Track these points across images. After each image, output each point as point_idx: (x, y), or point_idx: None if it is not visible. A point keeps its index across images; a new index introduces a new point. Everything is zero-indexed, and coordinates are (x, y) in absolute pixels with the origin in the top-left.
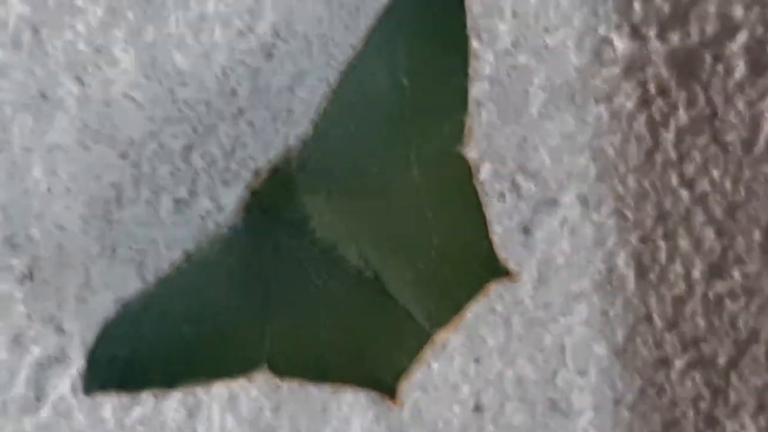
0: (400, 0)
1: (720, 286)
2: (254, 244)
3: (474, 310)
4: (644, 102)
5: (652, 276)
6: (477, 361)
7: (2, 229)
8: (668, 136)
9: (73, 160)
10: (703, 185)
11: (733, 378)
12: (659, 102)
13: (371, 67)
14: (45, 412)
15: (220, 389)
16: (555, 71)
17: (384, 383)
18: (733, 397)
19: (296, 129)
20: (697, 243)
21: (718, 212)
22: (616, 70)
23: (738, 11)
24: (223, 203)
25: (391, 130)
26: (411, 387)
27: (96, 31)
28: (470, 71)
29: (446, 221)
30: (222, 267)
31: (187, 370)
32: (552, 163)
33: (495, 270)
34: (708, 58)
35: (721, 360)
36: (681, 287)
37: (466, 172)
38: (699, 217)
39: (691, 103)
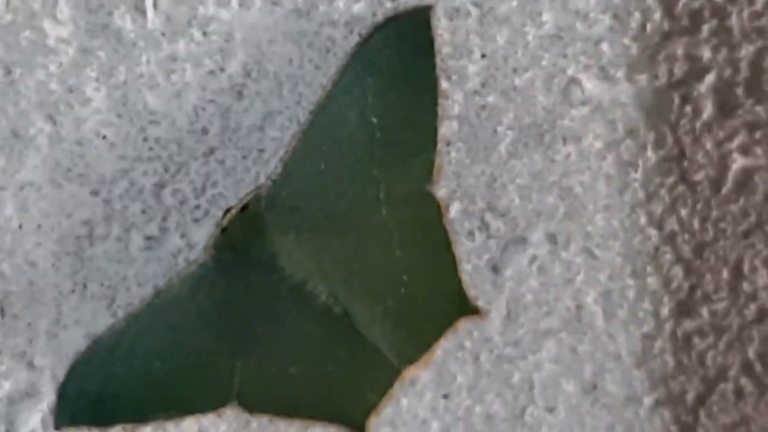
0: (370, 40)
1: (688, 324)
2: (224, 282)
3: (443, 346)
4: (612, 142)
5: (621, 313)
6: (446, 397)
7: None
8: (636, 176)
9: (44, 198)
10: (672, 224)
11: (702, 415)
12: (628, 142)
13: (341, 107)
14: None
15: (190, 424)
16: (524, 111)
17: (353, 419)
18: None
19: (266, 168)
20: (666, 281)
21: (686, 251)
22: (584, 110)
23: (706, 53)
24: (193, 240)
25: (361, 169)
26: (380, 423)
27: (68, 70)
28: (439, 111)
29: (416, 259)
30: (192, 304)
31: (157, 405)
32: (521, 201)
33: (464, 308)
34: (676, 99)
35: (690, 397)
36: (650, 325)
37: (435, 211)
38: (667, 255)
39: (659, 143)
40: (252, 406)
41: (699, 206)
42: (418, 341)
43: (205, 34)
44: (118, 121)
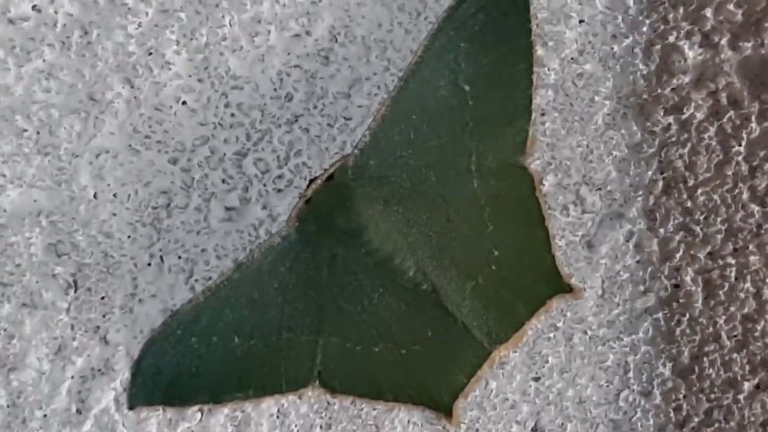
0: (463, 4)
1: None
2: (308, 255)
3: (535, 326)
4: (715, 113)
5: (721, 294)
6: (537, 379)
7: (47, 236)
8: (740, 149)
9: (121, 166)
10: None
11: None
12: (731, 113)
13: (432, 73)
14: (87, 426)
15: (269, 405)
16: (622, 80)
17: (440, 401)
18: None
19: (353, 136)
20: None
21: None
22: (686, 79)
23: None
24: (276, 212)
25: (451, 139)
26: (468, 405)
27: (147, 32)
28: (534, 79)
29: (507, 234)
30: (274, 278)
31: (235, 385)
32: (618, 175)
33: (557, 286)
34: None
35: None
36: (751, 306)
37: (528, 184)
38: None
39: (763, 114)
40: (334, 386)
41: None
42: (509, 320)
43: None
44: (199, 86)
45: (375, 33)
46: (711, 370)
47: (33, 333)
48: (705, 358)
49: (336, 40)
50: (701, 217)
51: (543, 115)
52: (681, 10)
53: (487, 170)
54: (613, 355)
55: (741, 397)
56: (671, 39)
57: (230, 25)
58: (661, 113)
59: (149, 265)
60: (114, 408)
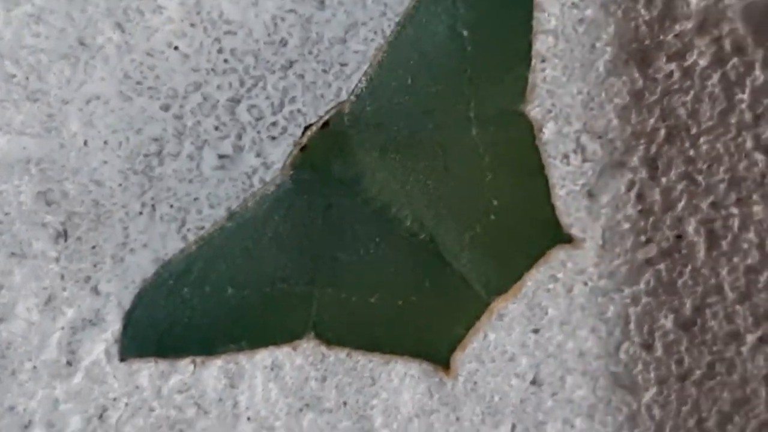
0: None
1: None
2: (303, 203)
3: (534, 277)
4: (718, 60)
5: (724, 244)
6: (536, 331)
7: (37, 184)
8: (743, 97)
9: (112, 112)
10: None
11: None
12: (734, 60)
13: (429, 18)
14: (78, 378)
15: (263, 357)
16: (624, 26)
17: (437, 354)
18: None
19: (349, 83)
20: None
21: None
22: (688, 25)
23: None
24: (270, 160)
25: (450, 86)
26: (466, 358)
27: None
28: (534, 24)
29: (506, 183)
30: (268, 227)
31: (229, 336)
32: (619, 123)
33: (557, 236)
34: None
35: None
36: (754, 257)
37: (528, 132)
38: None
39: None
40: (329, 338)
41: None
42: (508, 271)
43: None
44: (192, 31)
45: None
46: (713, 323)
47: (22, 283)
48: (707, 310)
49: None
50: (704, 167)
51: (543, 61)
52: None
53: (486, 118)
54: (614, 307)
55: (744, 349)
56: None
57: None
58: (664, 60)
59: (140, 213)
60: (105, 359)
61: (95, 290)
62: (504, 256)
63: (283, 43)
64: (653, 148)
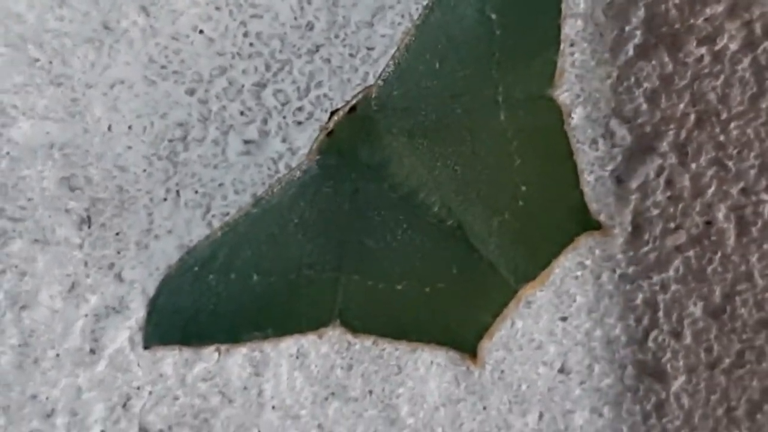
0: None
1: None
2: (329, 189)
3: (562, 264)
4: (749, 44)
5: (754, 231)
6: (564, 319)
7: (60, 169)
8: None
9: (136, 97)
10: None
11: None
12: (765, 44)
13: (457, 2)
14: (101, 366)
15: (288, 345)
16: (653, 9)
17: (464, 342)
18: None
19: (376, 67)
20: None
21: None
22: (719, 8)
23: None
24: (296, 145)
25: (478, 70)
26: (493, 346)
27: None
28: (563, 8)
29: (535, 169)
30: (294, 213)
31: (254, 324)
32: (649, 107)
33: (586, 222)
34: None
35: None
36: None
37: (556, 117)
38: None
39: None
40: (355, 326)
41: None
42: (536, 258)
43: None
44: (217, 15)
45: None
46: (743, 310)
47: (45, 270)
48: (737, 298)
49: None
50: (734, 152)
51: (572, 45)
52: None
53: (515, 102)
54: (642, 294)
55: None
56: None
57: None
58: (694, 44)
59: (165, 200)
60: (129, 347)
61: (119, 277)
62: (532, 243)
63: (310, 26)
64: (683, 134)
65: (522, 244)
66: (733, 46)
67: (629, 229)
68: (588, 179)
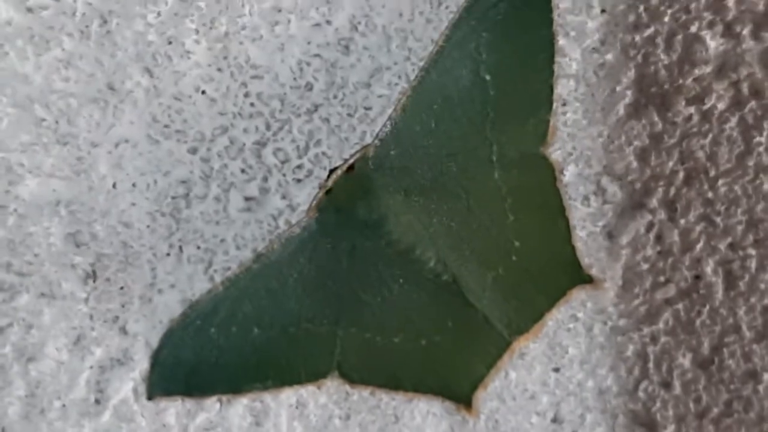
0: None
1: None
2: (328, 245)
3: (555, 317)
4: (736, 103)
5: (742, 285)
6: (557, 370)
7: (66, 226)
8: (761, 140)
9: (140, 155)
10: None
11: None
12: (752, 103)
13: (453, 63)
14: (106, 417)
15: (288, 396)
16: (644, 70)
17: (459, 392)
18: None
19: (373, 126)
20: None
21: None
22: (707, 69)
23: None
24: (295, 202)
25: (473, 129)
26: (488, 396)
27: (167, 21)
28: (556, 69)
29: (528, 225)
30: (294, 268)
31: (254, 375)
32: (639, 165)
33: (578, 276)
34: None
35: None
36: None
37: (549, 174)
38: None
39: None
40: (353, 377)
41: None
42: (529, 311)
43: None
44: (219, 76)
45: (395, 22)
46: (731, 361)
47: (52, 323)
48: (725, 349)
49: (356, 30)
50: (722, 208)
51: (564, 105)
52: (703, 0)
53: (509, 160)
54: (633, 346)
55: (761, 388)
56: (693, 29)
57: (250, 14)
58: (683, 103)
59: (168, 255)
60: (133, 398)
61: (123, 330)
62: (525, 297)
63: (309, 87)
64: (672, 190)
65: (516, 298)
66: (721, 106)
67: (620, 282)
68: (580, 234)
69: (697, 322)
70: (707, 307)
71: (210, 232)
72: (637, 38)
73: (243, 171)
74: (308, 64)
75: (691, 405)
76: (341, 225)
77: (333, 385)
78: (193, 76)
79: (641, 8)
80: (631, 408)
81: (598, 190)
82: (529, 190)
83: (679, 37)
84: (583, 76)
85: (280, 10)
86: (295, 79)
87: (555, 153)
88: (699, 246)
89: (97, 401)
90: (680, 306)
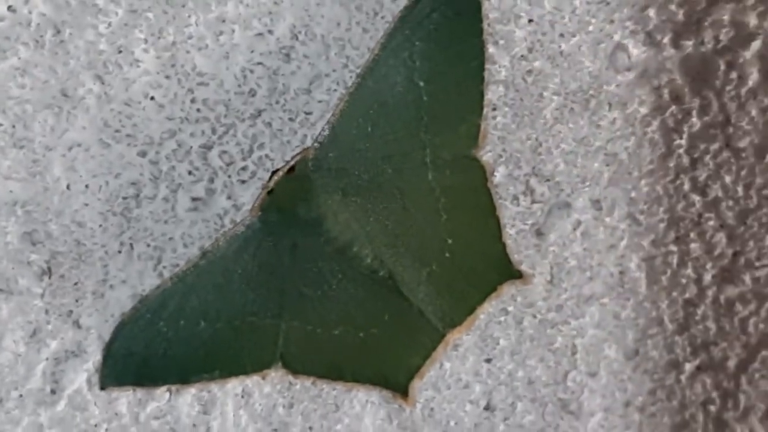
0: (418, 4)
1: (731, 291)
2: (270, 243)
3: (487, 311)
4: (658, 108)
5: (664, 279)
6: (489, 361)
7: (22, 225)
8: (681, 142)
9: (93, 158)
10: (716, 191)
11: (743, 382)
12: (673, 108)
13: (388, 70)
14: (61, 406)
15: (234, 386)
16: (570, 76)
17: (396, 382)
18: (743, 400)
19: (313, 130)
20: (709, 247)
21: (729, 217)
22: (630, 76)
23: (752, 19)
24: (240, 202)
25: (407, 133)
26: (423, 386)
27: (117, 31)
28: (486, 75)
29: (460, 224)
30: (239, 264)
31: (202, 366)
32: (566, 166)
33: (508, 272)
34: (722, 65)
35: (731, 364)
36: (692, 291)
37: (481, 175)
38: (711, 222)
39: (704, 109)
40: (296, 368)
41: (743, 173)
42: (462, 305)
43: None
44: (167, 83)
45: (334, 32)
46: (654, 352)
47: (9, 317)
48: (649, 341)
49: (297, 39)
50: (645, 207)
51: (494, 109)
52: (625, 10)
53: (442, 162)
54: (562, 338)
55: (683, 377)
56: (616, 38)
57: (196, 24)
58: (607, 108)
59: (119, 252)
60: (86, 388)
61: (77, 324)
62: (458, 291)
63: (252, 93)
64: (597, 190)
65: (449, 292)
66: (643, 110)
67: (548, 278)
68: (510, 232)
69: (623, 315)
70: (631, 300)
71: (159, 230)
72: (564, 46)
73: (190, 173)
74: (251, 71)
75: (617, 394)
76: (283, 223)
77: (277, 375)
78: (143, 83)
79: (567, 18)
80: (560, 397)
81: (527, 190)
82: (462, 190)
83: (604, 45)
84: (512, 82)
85: (224, 21)
86: (239, 85)
87: (486, 155)
88: (623, 243)
89: (53, 391)
90: (606, 300)
